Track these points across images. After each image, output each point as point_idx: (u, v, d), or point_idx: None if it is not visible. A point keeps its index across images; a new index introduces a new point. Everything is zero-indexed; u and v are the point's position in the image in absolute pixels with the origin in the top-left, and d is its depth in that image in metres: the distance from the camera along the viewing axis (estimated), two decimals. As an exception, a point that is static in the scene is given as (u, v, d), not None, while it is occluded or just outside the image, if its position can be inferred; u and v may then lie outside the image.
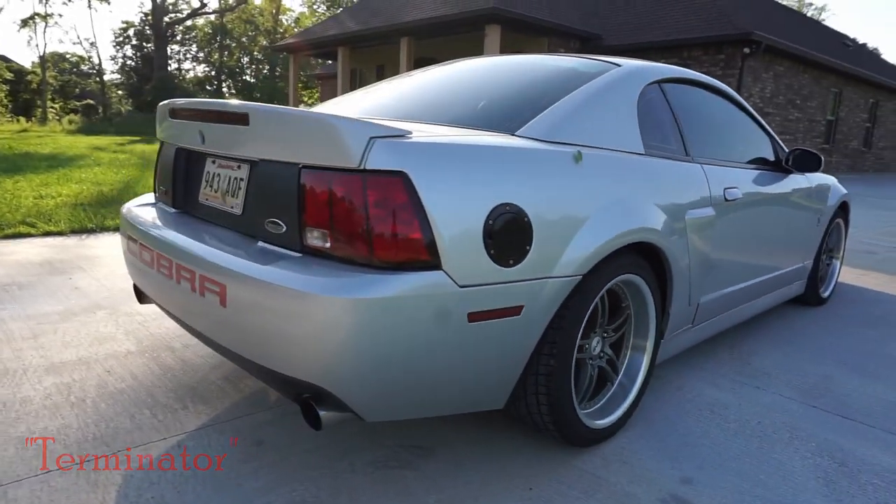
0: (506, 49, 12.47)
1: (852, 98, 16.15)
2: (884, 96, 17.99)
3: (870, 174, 18.38)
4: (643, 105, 2.11)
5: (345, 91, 16.36)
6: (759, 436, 2.01)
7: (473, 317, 1.45)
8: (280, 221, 1.51)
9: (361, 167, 1.36)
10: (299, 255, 1.47)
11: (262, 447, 1.80)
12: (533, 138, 1.71)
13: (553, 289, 1.58)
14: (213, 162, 1.84)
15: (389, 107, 2.17)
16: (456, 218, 1.40)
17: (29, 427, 1.84)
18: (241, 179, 1.70)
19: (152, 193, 2.30)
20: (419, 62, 14.76)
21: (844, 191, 3.66)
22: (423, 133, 1.51)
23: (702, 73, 11.53)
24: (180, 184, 1.98)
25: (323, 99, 23.56)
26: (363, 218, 1.35)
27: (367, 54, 17.59)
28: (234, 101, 1.61)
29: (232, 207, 1.73)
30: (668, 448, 1.89)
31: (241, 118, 1.57)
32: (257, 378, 1.63)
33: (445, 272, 1.38)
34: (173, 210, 2.01)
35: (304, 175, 1.44)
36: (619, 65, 2.18)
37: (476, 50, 14.32)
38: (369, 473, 1.69)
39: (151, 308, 2.96)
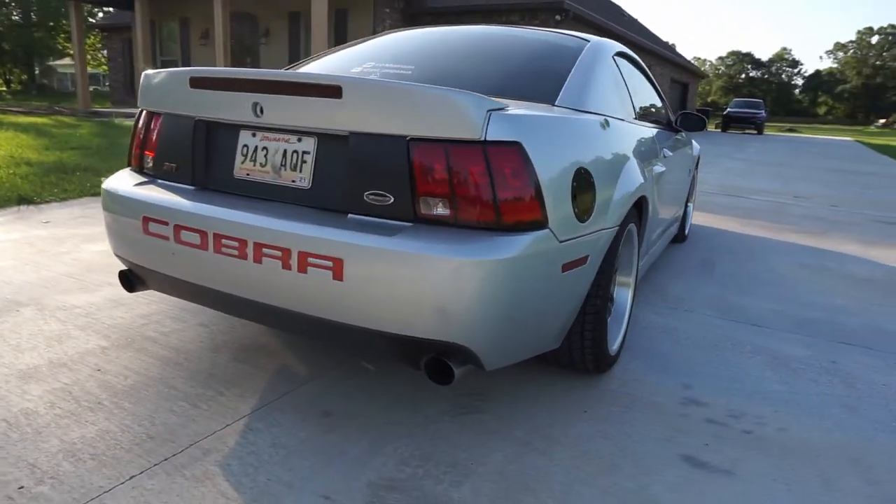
0: (331, 7, 12.15)
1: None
2: (655, 61, 20.98)
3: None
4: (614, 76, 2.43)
5: (145, 46, 14.58)
6: (711, 346, 2.51)
7: (565, 267, 1.65)
8: (386, 193, 1.54)
9: (482, 138, 1.46)
10: (411, 224, 1.53)
11: (333, 416, 1.83)
12: (570, 108, 1.92)
13: (604, 238, 1.84)
14: (254, 135, 1.75)
15: (416, 76, 2.18)
16: (555, 181, 1.58)
17: (62, 439, 1.64)
18: (306, 152, 1.67)
19: (128, 170, 2.07)
20: (236, 16, 13.71)
21: (698, 146, 4.44)
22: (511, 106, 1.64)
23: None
24: (200, 158, 1.84)
25: (113, 56, 20.52)
26: (488, 185, 1.47)
27: (170, 4, 15.81)
28: (321, 73, 1.57)
29: (294, 181, 1.69)
30: (658, 366, 2.30)
31: (331, 91, 1.54)
32: (350, 349, 1.66)
33: (550, 230, 1.56)
34: (191, 187, 1.86)
35: (415, 147, 1.50)
36: (587, 40, 2.46)
37: (300, 5, 13.72)
38: (448, 421, 1.83)
39: (85, 299, 2.63)
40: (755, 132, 26.49)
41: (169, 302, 2.66)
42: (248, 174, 1.77)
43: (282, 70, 1.72)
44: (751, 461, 1.71)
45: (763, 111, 26.64)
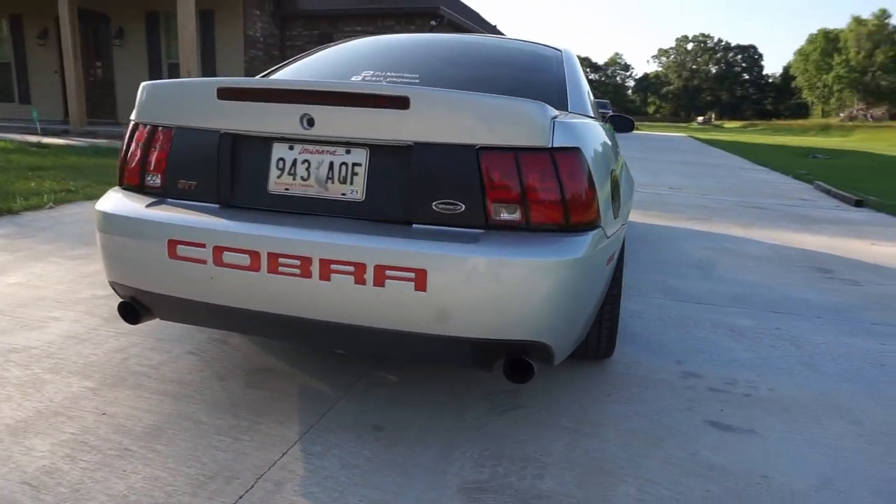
0: (196, 8, 11.39)
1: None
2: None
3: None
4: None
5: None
6: (677, 325, 2.79)
7: (608, 261, 1.79)
8: (457, 201, 1.57)
9: (550, 146, 1.55)
10: (483, 230, 1.57)
11: (387, 430, 1.81)
12: (580, 114, 2.05)
13: (623, 232, 2.01)
14: (291, 148, 1.69)
15: (426, 84, 2.16)
16: (601, 183, 1.70)
17: (109, 493, 1.48)
18: (357, 164, 1.64)
19: (122, 189, 1.88)
20: (84, 14, 12.39)
21: (610, 145, 4.84)
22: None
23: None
24: (226, 175, 1.73)
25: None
26: (557, 190, 1.55)
27: (-7, 0, 13.90)
28: (389, 85, 1.55)
29: (344, 194, 1.66)
30: (645, 347, 2.52)
31: (398, 102, 1.53)
32: (420, 359, 1.67)
33: (602, 228, 1.68)
34: (215, 205, 1.74)
35: (485, 155, 1.55)
36: (555, 48, 2.62)
37: (159, 5, 12.72)
38: (497, 420, 1.89)
39: (36, 337, 2.31)
40: (604, 130, 28.89)
41: (137, 333, 2.43)
42: (286, 189, 1.70)
43: (330, 81, 1.67)
44: (762, 419, 1.96)
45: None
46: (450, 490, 1.55)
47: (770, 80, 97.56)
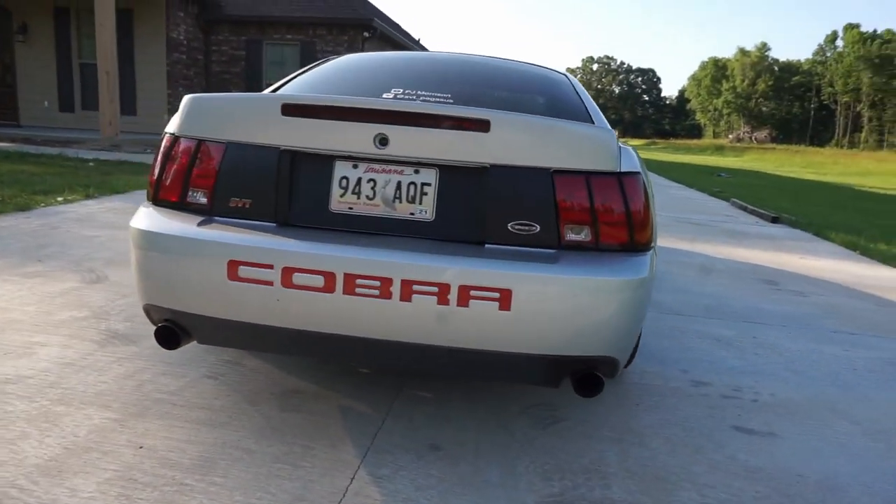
0: (119, 5, 10.73)
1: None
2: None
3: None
4: None
5: None
6: (668, 336, 2.96)
7: (652, 276, 1.89)
8: (532, 223, 1.61)
9: (618, 170, 1.63)
10: (555, 251, 1.62)
11: (445, 449, 1.81)
12: (607, 129, 2.15)
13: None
14: (355, 166, 1.67)
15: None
16: (652, 206, 1.80)
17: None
18: (427, 184, 1.65)
19: (158, 207, 1.77)
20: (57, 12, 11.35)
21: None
22: None
23: (328, 51, 12.37)
24: (285, 193, 1.67)
25: None
26: (624, 213, 1.63)
27: None
28: (470, 108, 1.57)
29: (413, 214, 1.66)
30: (649, 358, 2.66)
31: (479, 125, 1.56)
32: (494, 377, 1.69)
33: (653, 248, 1.78)
34: (272, 224, 1.68)
35: (559, 178, 1.60)
36: (562, 73, 2.73)
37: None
38: (542, 432, 1.93)
39: (26, 365, 2.11)
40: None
41: (140, 357, 2.27)
42: (350, 208, 1.67)
43: (405, 101, 1.66)
44: (777, 423, 2.13)
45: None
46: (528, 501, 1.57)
47: (668, 102, 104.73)
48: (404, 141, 1.60)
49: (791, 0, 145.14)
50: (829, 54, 78.01)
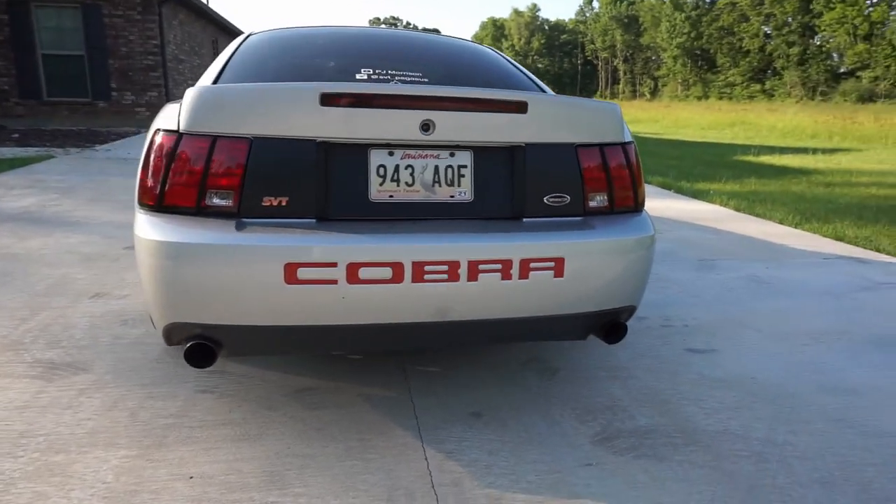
0: None
1: (223, 47, 18.18)
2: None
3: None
4: None
5: None
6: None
7: None
8: (564, 194, 1.75)
9: (624, 140, 1.84)
10: (582, 217, 1.79)
11: (484, 415, 1.92)
12: (615, 105, 2.33)
13: None
14: (391, 153, 1.66)
15: (433, 82, 2.16)
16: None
17: None
18: (463, 166, 1.71)
19: (162, 215, 1.58)
20: None
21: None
22: None
23: (120, 18, 10.94)
24: (322, 186, 1.60)
25: None
26: (630, 178, 1.86)
27: None
28: (510, 91, 1.62)
29: (453, 196, 1.70)
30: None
31: (517, 106, 1.63)
32: (543, 337, 1.84)
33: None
34: (312, 220, 1.60)
35: (582, 152, 1.76)
36: (484, 45, 2.85)
37: None
38: (548, 382, 2.14)
39: (-29, 421, 1.75)
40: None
41: (106, 387, 2.00)
42: (390, 196, 1.66)
43: (449, 86, 1.65)
44: (711, 341, 2.58)
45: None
46: (587, 445, 1.77)
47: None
48: (447, 125, 1.63)
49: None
50: (588, 14, 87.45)
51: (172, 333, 1.61)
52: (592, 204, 1.81)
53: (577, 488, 1.58)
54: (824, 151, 12.55)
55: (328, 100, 1.54)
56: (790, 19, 56.76)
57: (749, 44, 59.87)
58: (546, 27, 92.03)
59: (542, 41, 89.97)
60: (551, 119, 1.72)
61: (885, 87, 49.37)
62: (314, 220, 1.61)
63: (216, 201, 1.58)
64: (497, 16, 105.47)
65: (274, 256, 1.50)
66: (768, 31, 59.35)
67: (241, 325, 1.56)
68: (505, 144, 1.71)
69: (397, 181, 1.67)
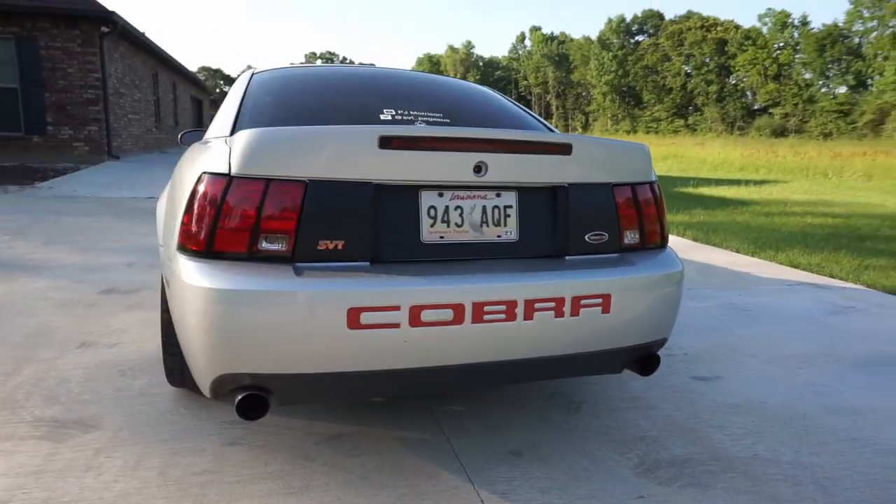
0: None
1: (164, 80, 17.70)
2: (180, 79, 20.36)
3: (187, 147, 20.84)
4: None
5: None
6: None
7: None
8: (603, 232, 1.81)
9: (652, 179, 1.92)
10: (618, 254, 1.85)
11: (525, 454, 1.92)
12: (645, 147, 2.41)
13: None
14: (441, 195, 1.67)
15: (455, 124, 2.21)
16: (653, 207, 2.14)
17: None
18: (509, 206, 1.74)
19: (209, 261, 1.52)
20: None
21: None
22: None
23: (58, 50, 10.54)
24: (376, 229, 1.59)
25: None
26: (657, 215, 1.94)
27: None
28: (557, 134, 1.66)
29: (500, 236, 1.73)
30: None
31: (563, 148, 1.69)
32: (585, 372, 1.87)
33: None
34: (365, 263, 1.58)
35: (617, 191, 1.83)
36: (481, 86, 2.93)
37: None
38: (577, 417, 2.17)
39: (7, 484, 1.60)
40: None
41: (125, 443, 1.87)
42: (441, 237, 1.67)
43: (501, 129, 1.69)
44: (713, 368, 2.68)
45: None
46: (632, 477, 1.80)
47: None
48: (497, 167, 1.66)
49: (487, 5, 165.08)
50: (520, 52, 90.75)
51: (221, 385, 1.54)
52: (626, 241, 1.88)
53: (638, 523, 1.60)
54: (755, 183, 13.40)
55: (387, 142, 1.55)
56: (708, 59, 60.89)
57: (672, 82, 63.69)
58: (481, 63, 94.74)
59: (478, 77, 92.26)
60: (592, 160, 1.78)
61: (795, 123, 53.38)
62: (368, 263, 1.60)
63: (270, 246, 1.54)
64: (432, 52, 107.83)
65: (338, 302, 1.47)
66: (689, 70, 63.36)
67: (296, 374, 1.52)
68: (549, 185, 1.76)
69: (447, 222, 1.68)
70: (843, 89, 53.12)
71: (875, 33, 51.33)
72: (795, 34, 56.53)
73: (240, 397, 1.51)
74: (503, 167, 1.67)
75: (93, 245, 4.76)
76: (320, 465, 1.80)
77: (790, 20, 57.36)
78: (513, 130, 1.72)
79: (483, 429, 2.06)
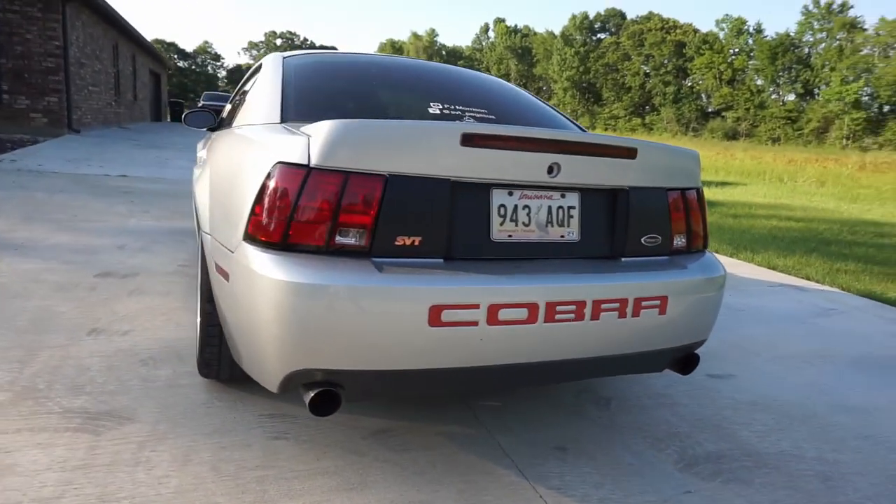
0: None
1: (124, 52, 16.93)
2: (140, 51, 19.50)
3: (146, 122, 20.01)
4: None
5: None
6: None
7: None
8: (657, 235, 1.85)
9: (699, 185, 1.98)
10: (668, 257, 1.90)
11: (569, 449, 1.96)
12: (696, 153, 2.46)
13: None
14: (510, 194, 1.68)
15: (501, 120, 2.20)
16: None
17: None
18: (572, 207, 1.76)
19: (281, 254, 1.49)
20: None
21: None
22: None
23: (16, 14, 9.98)
24: (451, 226, 1.59)
25: None
26: (702, 220, 1.99)
27: None
28: (625, 138, 1.68)
29: (563, 237, 1.75)
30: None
31: (628, 152, 1.72)
32: (635, 371, 1.90)
33: None
34: (439, 260, 1.58)
35: (670, 195, 1.88)
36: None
37: None
38: (609, 413, 2.22)
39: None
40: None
41: (169, 435, 1.82)
42: (509, 236, 1.68)
43: (573, 132, 1.69)
44: (725, 366, 2.78)
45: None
46: (675, 472, 1.86)
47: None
48: (568, 168, 1.68)
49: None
50: (484, 43, 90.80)
51: (292, 381, 1.52)
52: (676, 244, 1.93)
53: (693, 517, 1.66)
54: (716, 184, 13.85)
55: (469, 140, 1.54)
56: (666, 61, 62.36)
57: (631, 81, 65.01)
58: (444, 52, 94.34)
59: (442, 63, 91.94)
60: (652, 164, 1.82)
61: (746, 127, 55.31)
62: (442, 260, 1.59)
63: (347, 240, 1.51)
64: (396, 38, 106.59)
65: (421, 298, 1.46)
66: (648, 71, 64.76)
67: (371, 370, 1.51)
68: (611, 187, 1.79)
69: (516, 221, 1.69)
70: (791, 97, 55.38)
71: (823, 45, 53.65)
72: (750, 41, 58.51)
73: (313, 393, 1.49)
74: (573, 168, 1.69)
75: (75, 224, 4.55)
76: (372, 461, 1.80)
77: (746, 27, 59.33)
78: (587, 133, 1.74)
79: (522, 424, 2.09)
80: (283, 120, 1.97)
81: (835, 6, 52.62)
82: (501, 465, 1.83)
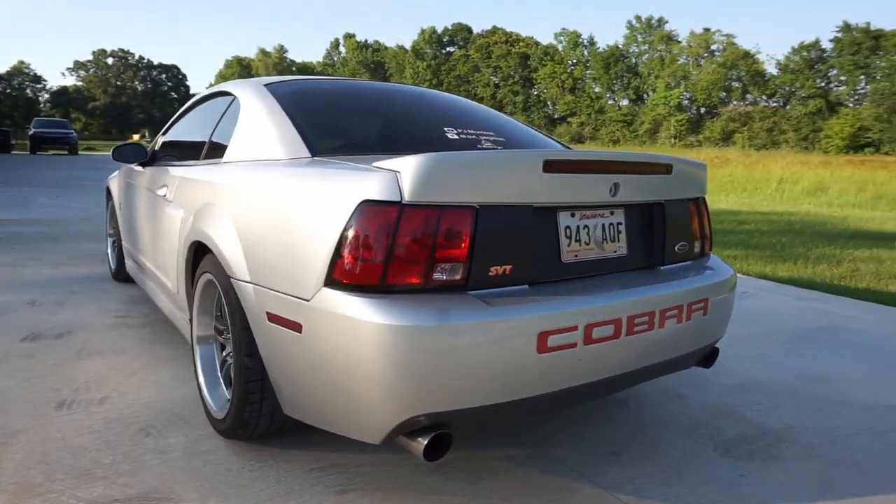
0: None
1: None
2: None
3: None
4: None
5: None
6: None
7: None
8: (685, 243, 1.99)
9: (704, 194, 2.17)
10: (691, 262, 2.05)
11: (623, 453, 2.04)
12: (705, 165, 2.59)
13: None
14: (573, 215, 1.73)
15: (508, 144, 2.23)
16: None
17: None
18: (619, 223, 1.85)
19: (374, 297, 1.42)
20: None
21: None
22: None
23: None
24: (532, 251, 1.60)
25: None
26: (709, 226, 2.18)
27: None
28: (662, 156, 1.79)
29: (615, 252, 1.83)
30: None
31: (666, 168, 1.83)
32: (679, 369, 2.00)
33: None
34: (525, 286, 1.58)
35: (689, 205, 2.04)
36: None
37: None
38: (651, 415, 2.34)
39: None
40: (68, 153, 25.35)
41: (192, 488, 1.63)
42: (575, 255, 1.72)
43: (632, 153, 1.77)
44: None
45: (73, 131, 25.88)
46: (719, 459, 2.01)
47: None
48: (625, 187, 1.76)
49: (299, 8, 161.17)
50: (335, 58, 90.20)
51: (398, 430, 1.44)
52: (695, 250, 2.09)
53: (762, 496, 1.80)
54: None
55: (549, 166, 1.57)
56: (513, 72, 66.09)
57: (483, 91, 68.01)
58: (294, 69, 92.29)
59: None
60: (681, 178, 1.96)
61: (589, 131, 60.09)
62: (527, 287, 1.60)
63: (445, 275, 1.47)
64: (242, 55, 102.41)
65: (530, 327, 1.46)
66: (497, 82, 68.20)
67: (481, 406, 1.47)
68: (650, 202, 1.90)
69: (579, 241, 1.74)
70: (625, 102, 61.21)
71: (647, 55, 59.99)
72: (585, 52, 63.85)
73: (426, 441, 1.43)
74: (629, 187, 1.78)
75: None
76: (452, 497, 1.74)
77: (581, 40, 64.67)
78: (642, 153, 1.84)
79: (565, 434, 2.13)
80: (314, 154, 1.85)
81: (654, 21, 59.11)
82: (570, 477, 1.86)
